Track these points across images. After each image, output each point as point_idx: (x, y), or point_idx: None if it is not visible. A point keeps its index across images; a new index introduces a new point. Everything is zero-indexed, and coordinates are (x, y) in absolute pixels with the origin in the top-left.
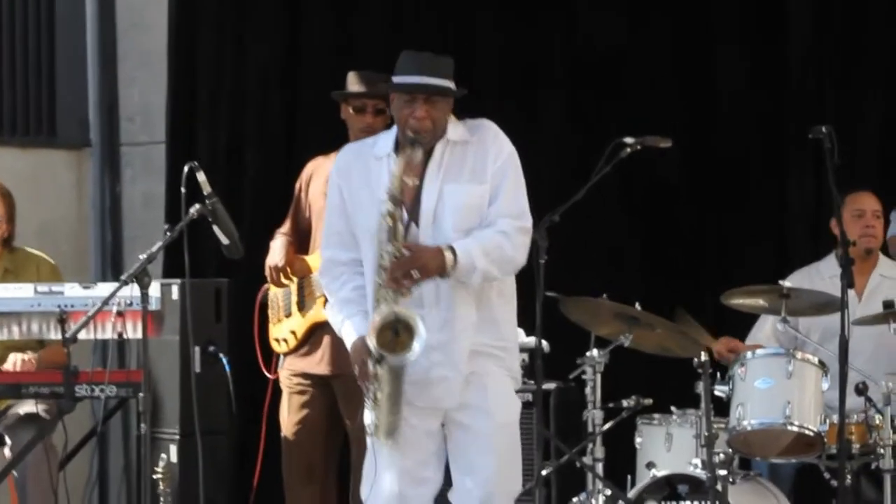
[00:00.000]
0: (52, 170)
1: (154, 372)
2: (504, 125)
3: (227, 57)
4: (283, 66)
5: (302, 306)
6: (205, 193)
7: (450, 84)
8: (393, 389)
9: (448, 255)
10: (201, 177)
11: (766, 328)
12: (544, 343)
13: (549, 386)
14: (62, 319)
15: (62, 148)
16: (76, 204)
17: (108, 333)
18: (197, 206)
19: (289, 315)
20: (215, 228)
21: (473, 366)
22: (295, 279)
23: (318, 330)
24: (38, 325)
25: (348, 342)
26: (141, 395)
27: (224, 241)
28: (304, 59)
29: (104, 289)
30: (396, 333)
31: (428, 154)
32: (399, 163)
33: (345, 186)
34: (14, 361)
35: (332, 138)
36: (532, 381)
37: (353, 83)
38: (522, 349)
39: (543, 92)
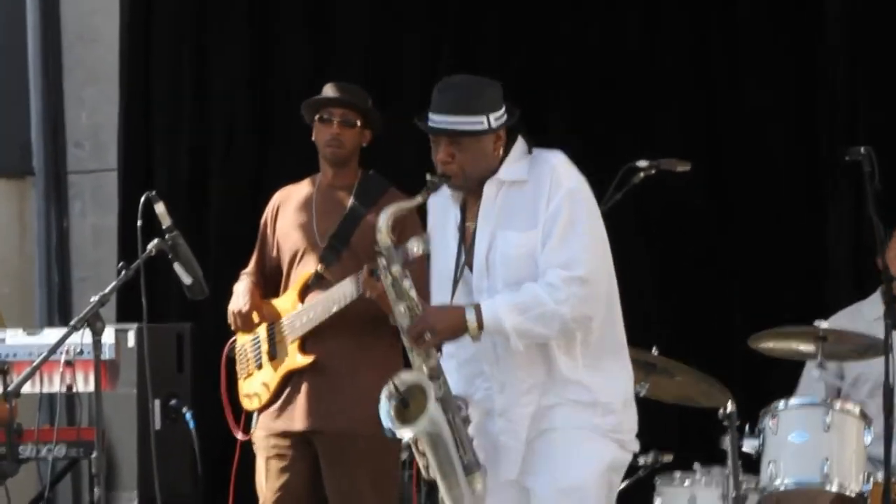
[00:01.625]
0: None
1: (108, 429)
2: None
3: (186, 73)
4: (250, 82)
5: (273, 356)
6: (164, 227)
7: (472, 122)
8: (438, 460)
9: (470, 317)
10: (160, 208)
11: (813, 377)
12: None
13: None
14: (3, 371)
15: (1, 177)
16: (18, 240)
17: (56, 386)
18: (155, 241)
19: (259, 367)
20: (176, 266)
21: (544, 422)
22: (264, 325)
23: (294, 378)
24: None
25: None
26: (94, 455)
27: (186, 280)
28: (274, 74)
29: (51, 335)
30: (405, 405)
31: (478, 194)
32: (387, 212)
33: (434, 227)
34: None
35: (308, 164)
36: None
37: (327, 92)
38: None
39: (549, 110)
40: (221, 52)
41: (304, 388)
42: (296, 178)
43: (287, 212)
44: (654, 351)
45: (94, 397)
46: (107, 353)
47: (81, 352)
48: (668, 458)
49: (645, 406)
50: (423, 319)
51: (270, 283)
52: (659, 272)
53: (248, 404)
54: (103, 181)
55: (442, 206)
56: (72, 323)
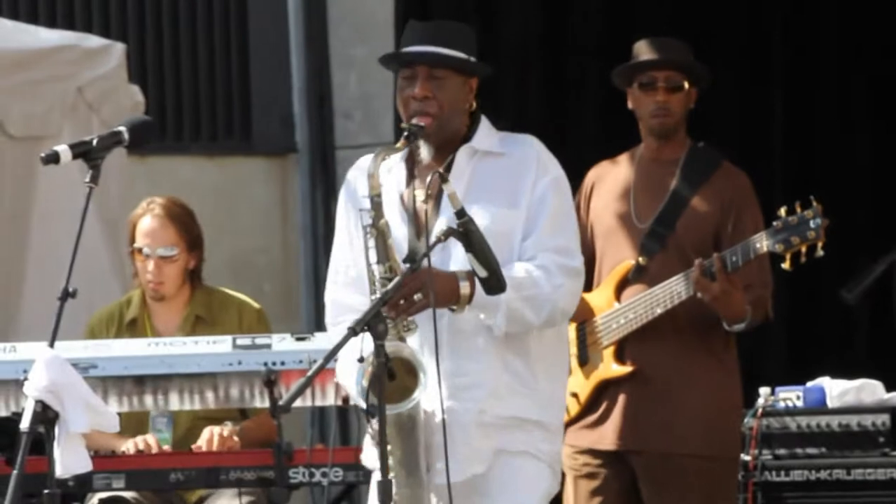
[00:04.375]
0: (247, 184)
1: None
2: (826, 109)
3: (472, 25)
4: (543, 38)
5: (584, 361)
6: (454, 211)
7: (458, 54)
8: (405, 452)
9: (464, 284)
10: (448, 188)
11: None
12: None
13: None
14: (270, 381)
15: (260, 155)
16: (280, 228)
17: (330, 399)
18: (443, 227)
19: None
20: (469, 256)
21: (497, 441)
22: (573, 325)
23: (610, 389)
24: (239, 390)
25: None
26: (377, 480)
27: (481, 273)
28: (567, 26)
29: (323, 340)
30: (392, 376)
31: (446, 158)
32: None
33: (352, 206)
34: (209, 437)
35: (616, 133)
36: None
37: (643, 52)
38: (884, 409)
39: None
40: (509, 2)
41: (620, 400)
42: (600, 145)
43: (602, 191)
44: None
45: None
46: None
47: (361, 359)
48: None
49: None
50: (416, 277)
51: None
52: None
53: None
54: None
55: (361, 187)
56: (350, 325)
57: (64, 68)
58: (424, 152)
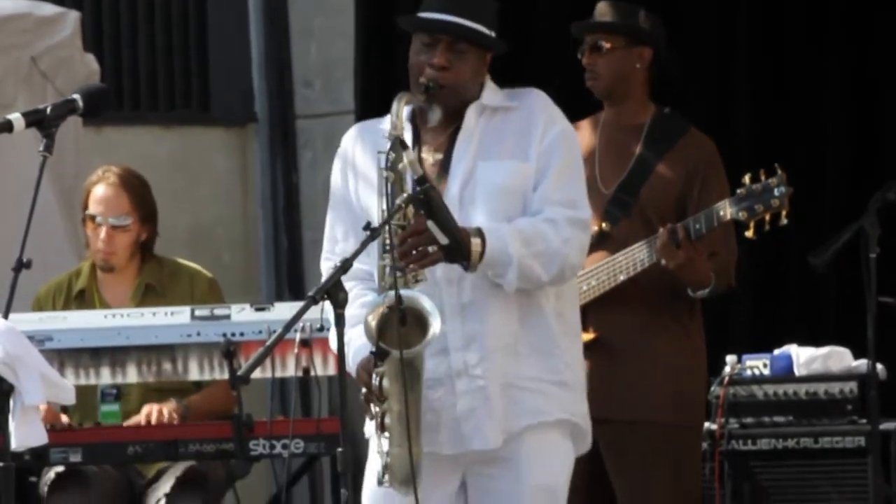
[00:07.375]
0: (206, 154)
1: (353, 420)
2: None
3: None
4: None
5: None
6: (414, 178)
7: (481, 28)
8: (405, 407)
9: (475, 239)
10: (408, 155)
11: None
12: (880, 367)
13: (889, 426)
14: (229, 352)
15: (218, 125)
16: (239, 199)
17: (291, 370)
18: (404, 195)
19: None
20: (430, 224)
21: (512, 405)
22: None
23: None
24: (198, 362)
25: (355, 363)
26: (338, 450)
27: (442, 240)
28: None
29: (283, 310)
30: (403, 322)
31: (455, 121)
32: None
33: (351, 173)
34: (147, 414)
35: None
36: (864, 420)
37: (600, 13)
38: (851, 376)
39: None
40: None
41: (588, 367)
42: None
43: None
44: None
45: (336, 382)
46: None
47: (321, 328)
48: None
49: None
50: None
51: None
52: None
53: None
54: (338, 126)
55: (360, 150)
56: (310, 294)
57: (17, 37)
58: (434, 115)
